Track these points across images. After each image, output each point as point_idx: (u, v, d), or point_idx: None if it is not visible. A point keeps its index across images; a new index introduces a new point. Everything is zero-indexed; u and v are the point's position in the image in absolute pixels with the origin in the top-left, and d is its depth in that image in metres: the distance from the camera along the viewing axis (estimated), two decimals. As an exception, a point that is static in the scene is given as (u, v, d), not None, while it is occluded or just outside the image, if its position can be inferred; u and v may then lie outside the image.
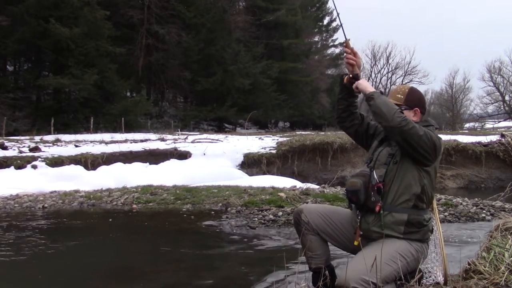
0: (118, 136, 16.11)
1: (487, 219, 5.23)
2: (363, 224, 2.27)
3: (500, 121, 50.50)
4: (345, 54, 2.47)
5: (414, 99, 2.38)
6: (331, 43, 52.10)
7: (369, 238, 2.25)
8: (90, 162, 10.07)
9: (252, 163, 10.83)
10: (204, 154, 11.09)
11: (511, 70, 50.21)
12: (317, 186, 7.60)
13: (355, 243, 2.27)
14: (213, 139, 14.50)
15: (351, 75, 2.43)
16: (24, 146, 11.92)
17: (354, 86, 2.41)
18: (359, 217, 2.29)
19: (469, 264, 2.32)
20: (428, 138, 2.16)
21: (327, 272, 2.30)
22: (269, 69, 32.97)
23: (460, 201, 5.98)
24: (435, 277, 2.59)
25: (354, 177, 2.31)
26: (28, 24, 21.73)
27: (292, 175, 10.15)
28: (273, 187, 7.18)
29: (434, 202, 2.46)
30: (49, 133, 17.96)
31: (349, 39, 2.43)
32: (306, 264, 2.48)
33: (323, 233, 2.42)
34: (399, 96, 2.39)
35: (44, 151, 11.06)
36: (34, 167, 9.31)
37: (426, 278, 2.53)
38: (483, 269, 2.21)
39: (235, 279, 3.25)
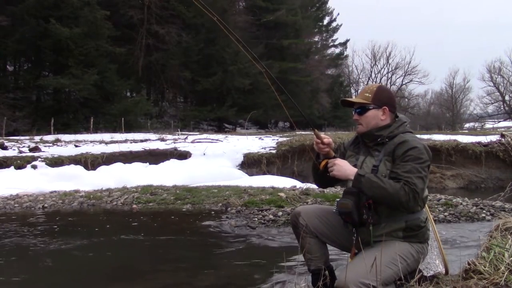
0: (118, 136, 16.07)
1: (487, 219, 5.22)
2: (360, 236, 2.22)
3: (500, 121, 50.54)
4: (315, 145, 2.33)
5: (382, 97, 2.33)
6: (331, 43, 52.26)
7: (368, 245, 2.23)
8: (90, 162, 10.06)
9: (252, 163, 10.82)
10: (204, 154, 11.08)
11: (511, 70, 50.29)
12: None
13: (349, 260, 2.25)
14: (213, 139, 14.48)
15: (328, 160, 2.31)
16: (24, 146, 11.92)
17: (331, 174, 2.27)
18: (355, 235, 2.24)
19: (469, 264, 2.32)
20: (425, 168, 2.14)
21: (327, 272, 2.29)
22: (269, 69, 32.76)
23: (460, 201, 5.97)
24: (435, 267, 2.59)
25: (344, 197, 2.20)
26: (28, 24, 21.72)
27: (292, 175, 10.13)
28: (273, 187, 7.17)
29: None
30: (49, 133, 17.94)
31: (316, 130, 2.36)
32: (306, 264, 2.48)
33: (322, 235, 2.40)
34: (367, 95, 2.35)
35: (44, 151, 11.05)
36: (34, 167, 9.31)
37: (427, 271, 2.53)
38: (483, 269, 2.21)
39: (235, 279, 3.24)
